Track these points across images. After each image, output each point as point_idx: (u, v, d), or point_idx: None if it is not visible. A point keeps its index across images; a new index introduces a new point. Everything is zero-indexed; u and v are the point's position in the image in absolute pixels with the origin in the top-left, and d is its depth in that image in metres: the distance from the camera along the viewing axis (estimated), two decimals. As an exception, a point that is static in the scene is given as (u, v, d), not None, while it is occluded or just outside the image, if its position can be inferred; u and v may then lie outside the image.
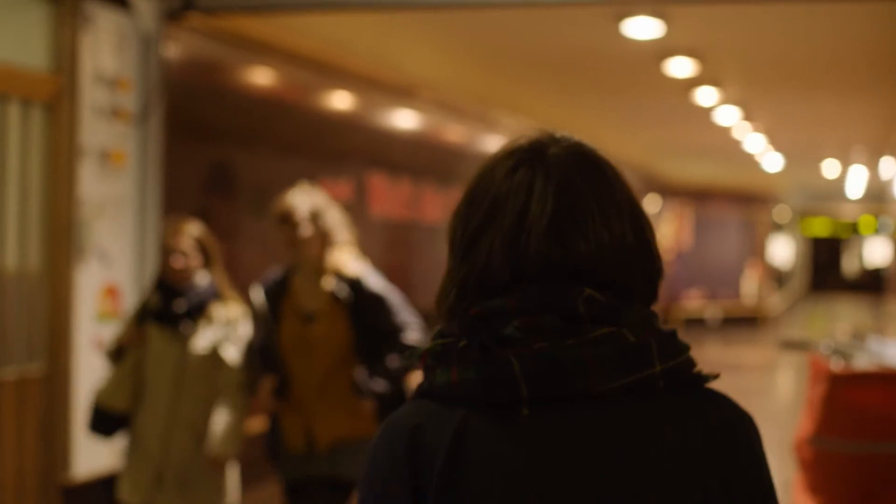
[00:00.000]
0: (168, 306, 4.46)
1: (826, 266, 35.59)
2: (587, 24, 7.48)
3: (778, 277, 26.50)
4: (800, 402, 11.82)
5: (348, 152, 8.65)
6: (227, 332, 4.49)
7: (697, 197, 21.76)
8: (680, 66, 8.76)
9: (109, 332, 5.24)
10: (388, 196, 9.35)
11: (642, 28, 7.28)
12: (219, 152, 7.03)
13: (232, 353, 4.46)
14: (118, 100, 5.71)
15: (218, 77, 6.96)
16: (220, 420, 4.40)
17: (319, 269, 4.40)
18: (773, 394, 13.03)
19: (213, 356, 4.45)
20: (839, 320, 22.06)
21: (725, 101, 10.89)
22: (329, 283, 4.38)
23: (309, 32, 7.58)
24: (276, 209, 4.43)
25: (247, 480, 5.61)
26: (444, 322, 1.39)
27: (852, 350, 5.90)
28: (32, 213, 5.35)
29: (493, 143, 11.75)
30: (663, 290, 1.44)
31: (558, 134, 1.42)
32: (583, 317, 1.30)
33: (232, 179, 7.14)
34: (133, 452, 4.49)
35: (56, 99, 5.38)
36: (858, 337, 6.92)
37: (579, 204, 1.34)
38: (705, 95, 10.32)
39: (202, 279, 4.52)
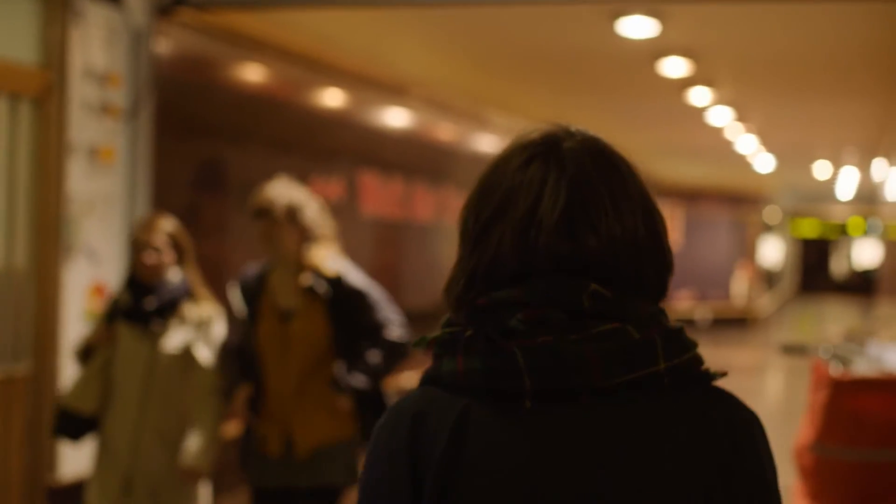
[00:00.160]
0: (138, 304, 4.29)
1: (815, 267, 35.67)
2: (582, 22, 7.43)
3: (768, 278, 26.53)
4: (790, 405, 11.80)
5: (340, 150, 8.60)
6: (199, 332, 4.33)
7: (688, 197, 21.76)
8: (674, 66, 8.72)
9: (97, 331, 5.17)
10: (380, 194, 9.30)
11: (637, 27, 7.23)
12: (209, 149, 6.97)
13: (205, 355, 4.31)
14: (108, 95, 5.65)
15: (209, 73, 6.89)
16: (195, 430, 4.24)
17: (297, 265, 4.27)
18: (763, 395, 13.00)
19: (185, 357, 4.29)
20: (830, 322, 22.10)
21: (719, 101, 10.87)
22: (307, 280, 4.25)
23: (301, 29, 7.53)
24: (252, 203, 4.29)
25: (218, 488, 5.49)
26: (451, 311, 1.39)
27: (852, 355, 5.84)
28: (20, 210, 5.28)
29: (485, 142, 11.72)
30: None
31: (573, 128, 1.42)
32: (587, 312, 1.30)
33: (222, 177, 7.07)
34: (102, 457, 4.32)
35: (45, 94, 5.31)
36: (854, 340, 6.88)
37: (592, 198, 1.34)
38: (699, 96, 10.29)
39: (174, 276, 4.36)
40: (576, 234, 1.32)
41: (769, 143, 15.30)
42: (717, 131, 13.28)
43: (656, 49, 8.16)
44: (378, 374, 4.30)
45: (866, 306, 25.10)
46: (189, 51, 6.68)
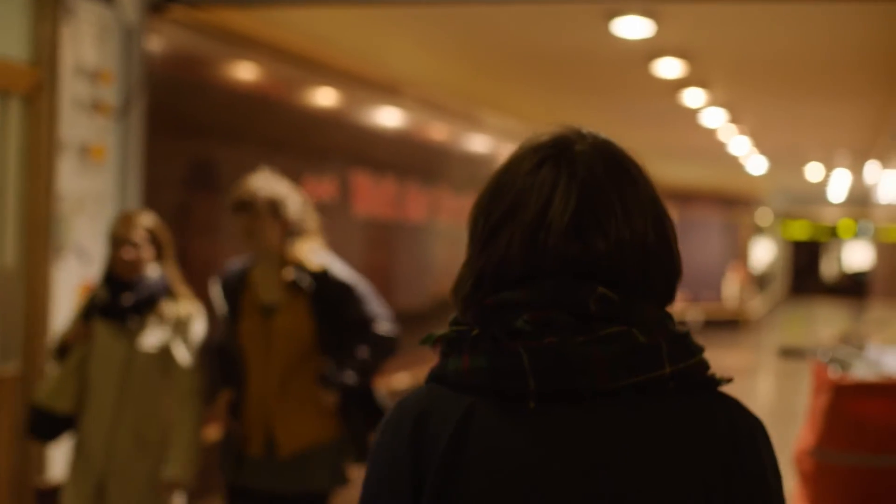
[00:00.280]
0: (115, 300, 4.16)
1: (806, 270, 35.70)
2: (576, 22, 7.40)
3: (759, 281, 26.55)
4: (781, 407, 11.79)
5: (332, 149, 8.56)
6: (178, 331, 4.20)
7: (681, 199, 21.74)
8: (668, 67, 8.70)
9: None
10: (373, 194, 9.26)
11: (632, 27, 7.20)
12: (201, 148, 6.92)
13: (184, 355, 4.18)
14: (99, 93, 5.59)
15: (200, 71, 6.85)
16: (175, 438, 4.12)
17: (280, 259, 4.15)
18: (755, 397, 12.98)
19: (163, 357, 4.16)
20: (822, 325, 22.10)
21: (712, 102, 10.86)
22: (290, 274, 4.13)
23: (293, 27, 7.48)
24: (233, 196, 4.17)
25: (192, 493, 5.35)
26: (459, 311, 1.41)
27: (851, 358, 5.80)
28: (9, 209, 5.23)
29: (478, 142, 11.69)
30: None
31: (585, 130, 1.42)
32: (594, 314, 1.31)
33: (214, 175, 7.02)
34: (77, 459, 4.19)
35: (35, 91, 5.26)
36: (847, 341, 6.84)
37: (602, 202, 1.34)
38: (692, 97, 10.27)
39: (153, 272, 4.23)
40: (585, 238, 1.33)
41: (762, 145, 15.32)
42: (711, 133, 13.28)
43: (651, 49, 8.13)
44: (368, 370, 4.19)
45: (857, 309, 25.13)
46: (181, 48, 6.63)
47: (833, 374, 5.54)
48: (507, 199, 1.37)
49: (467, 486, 1.29)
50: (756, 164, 17.62)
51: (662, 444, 1.29)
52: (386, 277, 9.48)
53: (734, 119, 12.18)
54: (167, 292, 4.24)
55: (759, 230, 26.24)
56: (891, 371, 5.69)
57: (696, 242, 22.32)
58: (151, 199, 5.94)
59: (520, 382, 1.29)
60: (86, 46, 5.51)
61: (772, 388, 14.31)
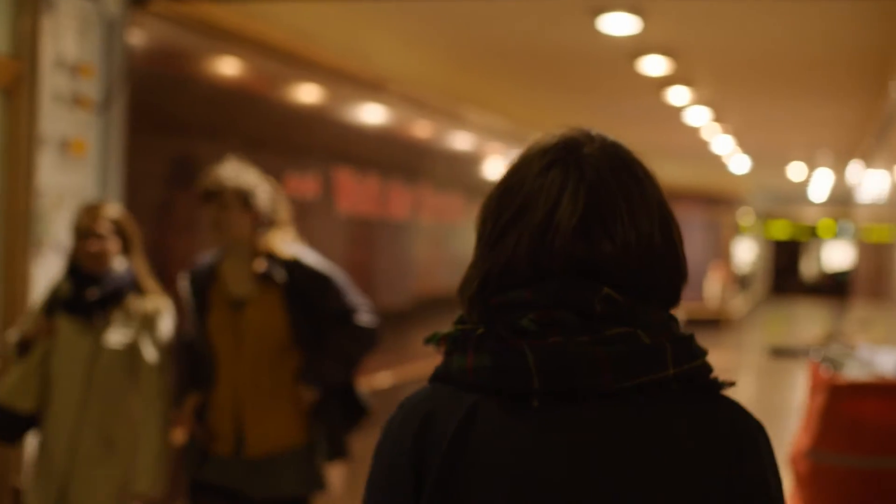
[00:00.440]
0: (80, 294, 4.00)
1: (786, 269, 35.82)
2: (562, 18, 7.38)
3: (741, 280, 26.61)
4: (762, 406, 11.78)
5: (315, 146, 8.50)
6: (145, 327, 4.04)
7: (663, 198, 21.79)
8: (653, 65, 8.68)
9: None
10: (356, 192, 9.20)
11: (618, 24, 7.17)
12: (182, 144, 6.85)
13: (151, 353, 4.03)
14: (80, 87, 5.52)
15: (183, 66, 6.78)
16: (142, 445, 3.98)
17: (251, 251, 4.02)
18: (738, 397, 12.98)
19: (130, 354, 4.01)
20: (803, 325, 22.16)
21: (697, 101, 10.86)
22: (261, 265, 4.00)
23: (277, 21, 7.43)
24: (200, 186, 4.03)
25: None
26: (465, 310, 1.41)
27: (843, 358, 5.77)
28: (-12, 203, 5.17)
29: (462, 140, 11.64)
30: None
31: (593, 132, 1.44)
32: (599, 315, 1.32)
33: (195, 172, 6.95)
34: (39, 461, 4.05)
35: (15, 85, 5.19)
36: (834, 341, 6.83)
37: (609, 204, 1.36)
38: (677, 95, 10.27)
39: (119, 266, 4.07)
40: (592, 239, 1.34)
41: (745, 144, 15.36)
42: (694, 131, 13.30)
43: (636, 47, 8.12)
44: (350, 364, 4.06)
45: (838, 308, 25.23)
46: (163, 42, 6.57)
47: (825, 373, 5.50)
48: (516, 201, 1.38)
49: (469, 484, 1.30)
50: (739, 163, 17.65)
51: (664, 445, 1.29)
52: (369, 275, 9.43)
53: (718, 118, 12.19)
54: (134, 286, 4.09)
55: (740, 230, 26.30)
56: (884, 371, 5.66)
57: (679, 242, 22.37)
58: (132, 195, 5.87)
59: (524, 381, 1.30)
60: (66, 40, 5.44)
61: (753, 387, 14.33)
